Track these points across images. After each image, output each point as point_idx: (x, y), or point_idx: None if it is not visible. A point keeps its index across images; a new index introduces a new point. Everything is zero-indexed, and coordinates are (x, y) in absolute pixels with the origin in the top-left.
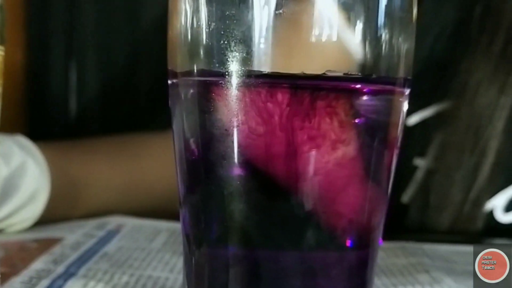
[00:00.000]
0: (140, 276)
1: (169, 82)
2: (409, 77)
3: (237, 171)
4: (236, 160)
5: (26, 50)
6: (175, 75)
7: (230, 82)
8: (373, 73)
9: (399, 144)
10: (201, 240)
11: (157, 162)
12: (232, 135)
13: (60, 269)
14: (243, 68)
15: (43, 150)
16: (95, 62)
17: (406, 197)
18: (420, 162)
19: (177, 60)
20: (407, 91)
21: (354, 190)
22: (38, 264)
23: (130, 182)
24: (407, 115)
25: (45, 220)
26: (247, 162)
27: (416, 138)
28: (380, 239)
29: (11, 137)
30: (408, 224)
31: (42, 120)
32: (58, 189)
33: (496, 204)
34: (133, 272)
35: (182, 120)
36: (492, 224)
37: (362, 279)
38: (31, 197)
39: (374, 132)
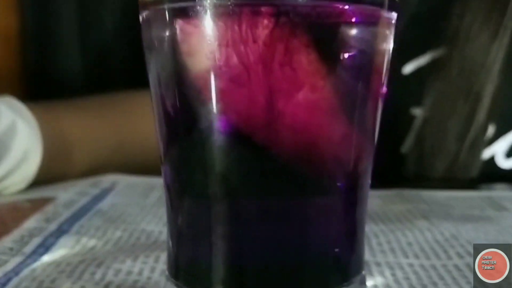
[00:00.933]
0: (134, 231)
1: (140, 17)
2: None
3: (214, 116)
4: (214, 105)
5: (20, 11)
6: (145, 5)
7: (204, 8)
8: None
9: (384, 82)
10: (182, 193)
11: (148, 118)
12: (209, 73)
13: (52, 226)
14: None
15: (33, 110)
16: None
17: (405, 148)
18: (417, 111)
19: None
20: (393, 18)
21: (338, 131)
22: (30, 223)
23: (122, 138)
24: (403, 63)
25: (39, 180)
26: (224, 106)
27: (413, 87)
28: (369, 184)
29: None
30: (406, 173)
31: (46, 89)
32: (50, 148)
33: (497, 149)
34: (126, 227)
35: (156, 62)
36: (491, 171)
37: (352, 225)
38: (23, 157)
39: (358, 65)
